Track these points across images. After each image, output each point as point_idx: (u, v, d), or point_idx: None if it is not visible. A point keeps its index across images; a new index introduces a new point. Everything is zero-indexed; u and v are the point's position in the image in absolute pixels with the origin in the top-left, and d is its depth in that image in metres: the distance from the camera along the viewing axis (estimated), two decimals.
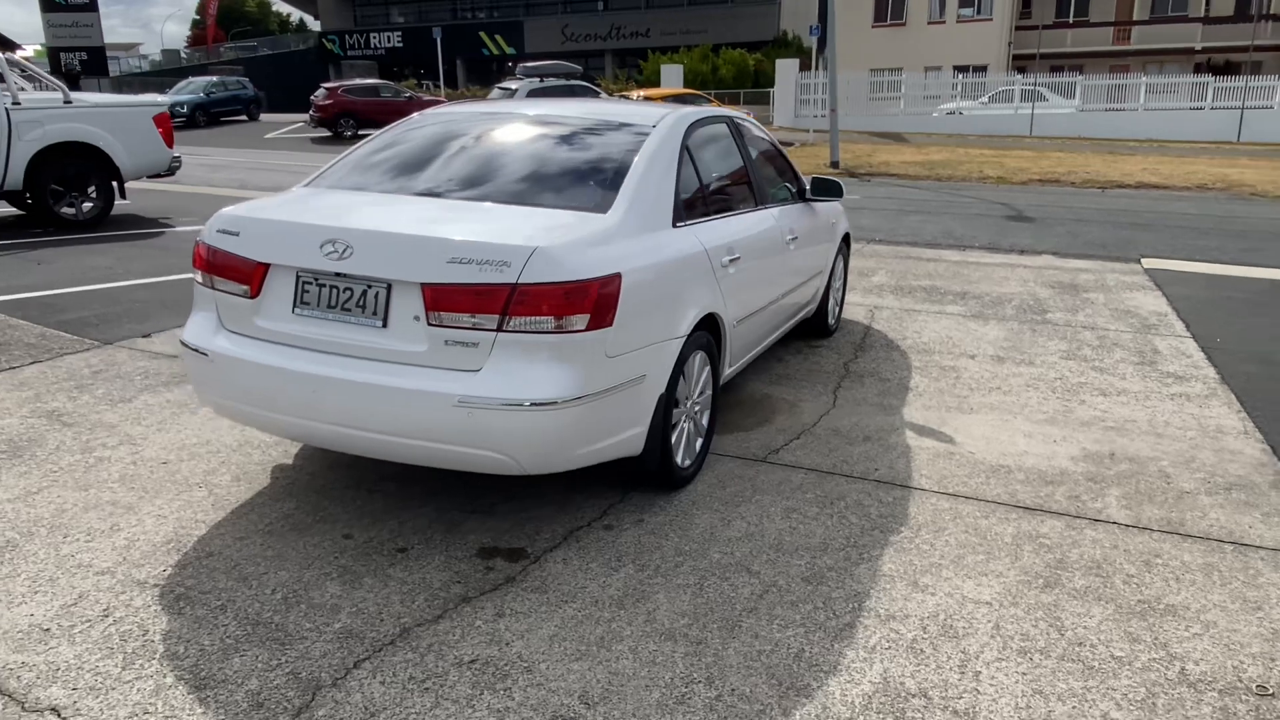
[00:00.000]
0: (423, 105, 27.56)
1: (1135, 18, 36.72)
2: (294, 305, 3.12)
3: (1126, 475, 3.94)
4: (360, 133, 25.31)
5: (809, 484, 3.78)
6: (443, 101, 29.01)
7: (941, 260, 9.22)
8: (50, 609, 2.77)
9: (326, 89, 26.96)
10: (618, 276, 2.98)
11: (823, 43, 38.34)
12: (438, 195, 3.42)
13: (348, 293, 3.03)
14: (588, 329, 2.89)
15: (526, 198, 3.35)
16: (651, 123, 3.84)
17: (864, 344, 6.00)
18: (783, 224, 4.68)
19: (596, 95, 24.34)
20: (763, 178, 4.69)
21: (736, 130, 4.60)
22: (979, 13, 36.21)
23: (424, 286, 2.90)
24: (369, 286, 3.00)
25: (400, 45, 52.92)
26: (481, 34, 51.49)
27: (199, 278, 3.37)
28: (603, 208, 3.25)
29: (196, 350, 3.27)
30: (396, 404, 2.91)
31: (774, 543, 3.28)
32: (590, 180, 3.44)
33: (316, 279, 3.08)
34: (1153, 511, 3.59)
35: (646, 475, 3.51)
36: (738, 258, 3.94)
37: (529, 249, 2.85)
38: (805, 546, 3.26)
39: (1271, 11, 33.70)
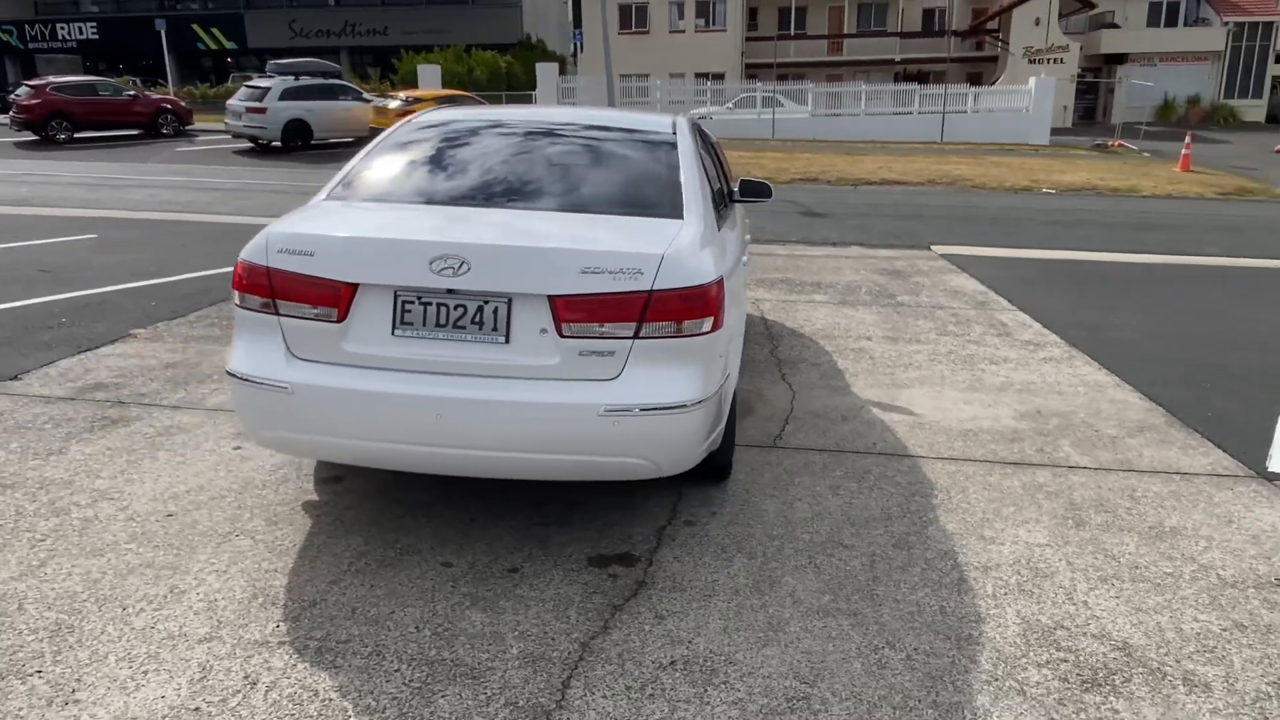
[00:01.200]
0: (154, 105, 24.84)
1: (845, 31, 41.07)
2: (393, 327, 2.93)
3: (1062, 428, 4.65)
4: (76, 136, 22.34)
5: (831, 463, 4.11)
6: (174, 101, 26.28)
7: (774, 255, 9.94)
8: (181, 689, 2.44)
9: (32, 87, 23.44)
10: (721, 279, 3.11)
11: (579, 47, 39.19)
12: (516, 206, 3.33)
13: (460, 310, 2.91)
14: (710, 331, 3.00)
15: (604, 206, 3.36)
16: (668, 127, 3.97)
17: (772, 333, 6.44)
18: (744, 224, 4.96)
19: (360, 94, 23.28)
20: (725, 178, 4.95)
21: (704, 132, 4.81)
22: (714, 24, 38.72)
23: (553, 299, 2.86)
24: (485, 302, 2.90)
25: (96, 37, 47.01)
26: (195, 26, 46.94)
27: (248, 302, 3.05)
28: (677, 214, 3.34)
29: (266, 383, 2.96)
30: (538, 419, 2.85)
31: (844, 518, 3.57)
32: (648, 187, 3.51)
33: (420, 297, 2.92)
34: (1103, 455, 4.29)
35: (712, 469, 3.65)
36: (744, 259, 4.18)
37: (659, 256, 2.91)
38: (872, 518, 3.57)
39: (953, 28, 39.16)
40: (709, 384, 3.04)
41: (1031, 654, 2.70)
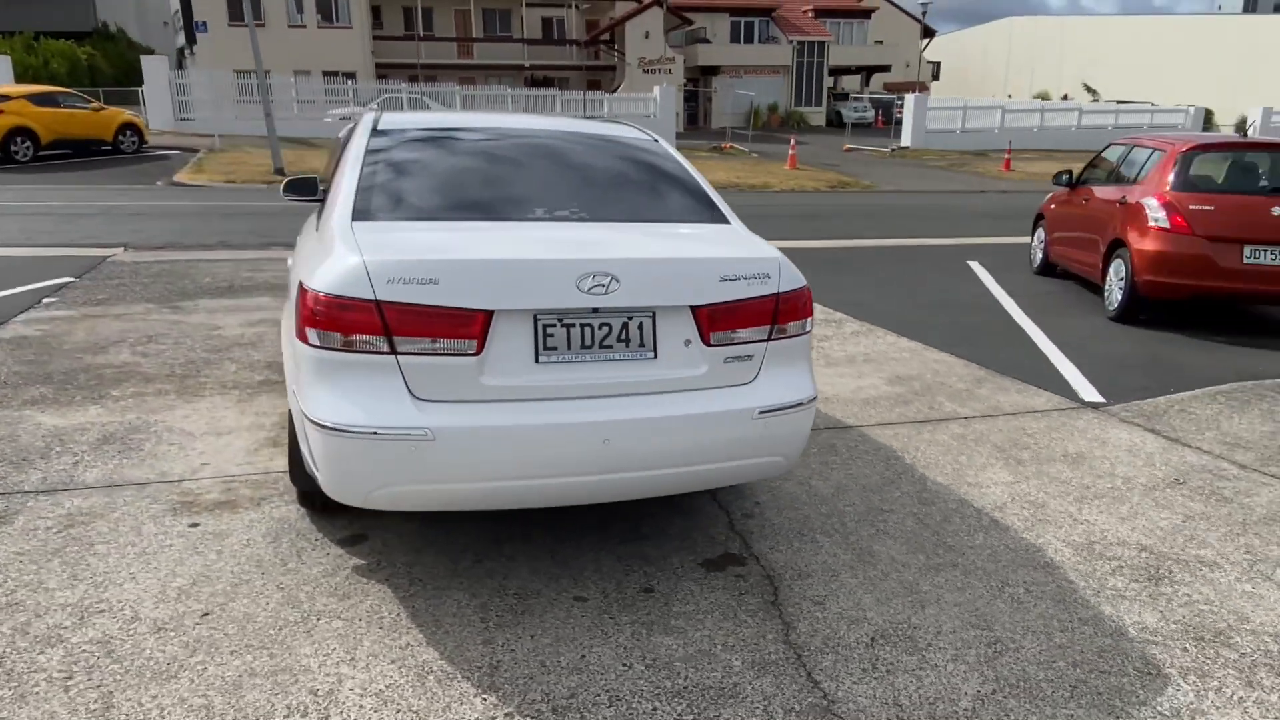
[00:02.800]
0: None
1: (474, 35, 41.38)
2: (536, 353, 2.70)
3: (929, 387, 5.47)
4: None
5: None
6: None
7: None
8: None
9: None
10: None
11: (191, 39, 34.81)
12: (592, 220, 3.17)
13: (605, 329, 2.76)
14: (810, 330, 3.18)
15: (665, 215, 3.34)
16: (648, 134, 4.00)
17: None
18: None
19: None
20: None
21: None
22: (337, 20, 36.76)
23: (696, 309, 2.84)
24: (630, 318, 2.79)
25: None
26: None
27: (346, 343, 2.60)
28: (723, 218, 3.44)
29: (393, 433, 2.56)
30: (704, 429, 2.82)
31: (865, 486, 3.94)
32: (686, 195, 3.53)
33: (562, 319, 2.72)
34: (975, 404, 5.15)
35: None
36: None
37: (777, 260, 3.02)
38: (884, 482, 3.99)
39: (573, 38, 41.39)
40: (813, 379, 3.22)
41: (1097, 566, 3.29)
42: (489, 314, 2.65)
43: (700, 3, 43.79)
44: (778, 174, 23.14)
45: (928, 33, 57.43)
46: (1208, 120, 41.87)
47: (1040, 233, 9.79)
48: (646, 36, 40.13)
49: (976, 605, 3.01)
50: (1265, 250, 6.87)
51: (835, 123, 47.61)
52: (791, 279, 3.04)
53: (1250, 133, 39.65)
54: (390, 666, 2.56)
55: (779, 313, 2.98)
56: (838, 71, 49.76)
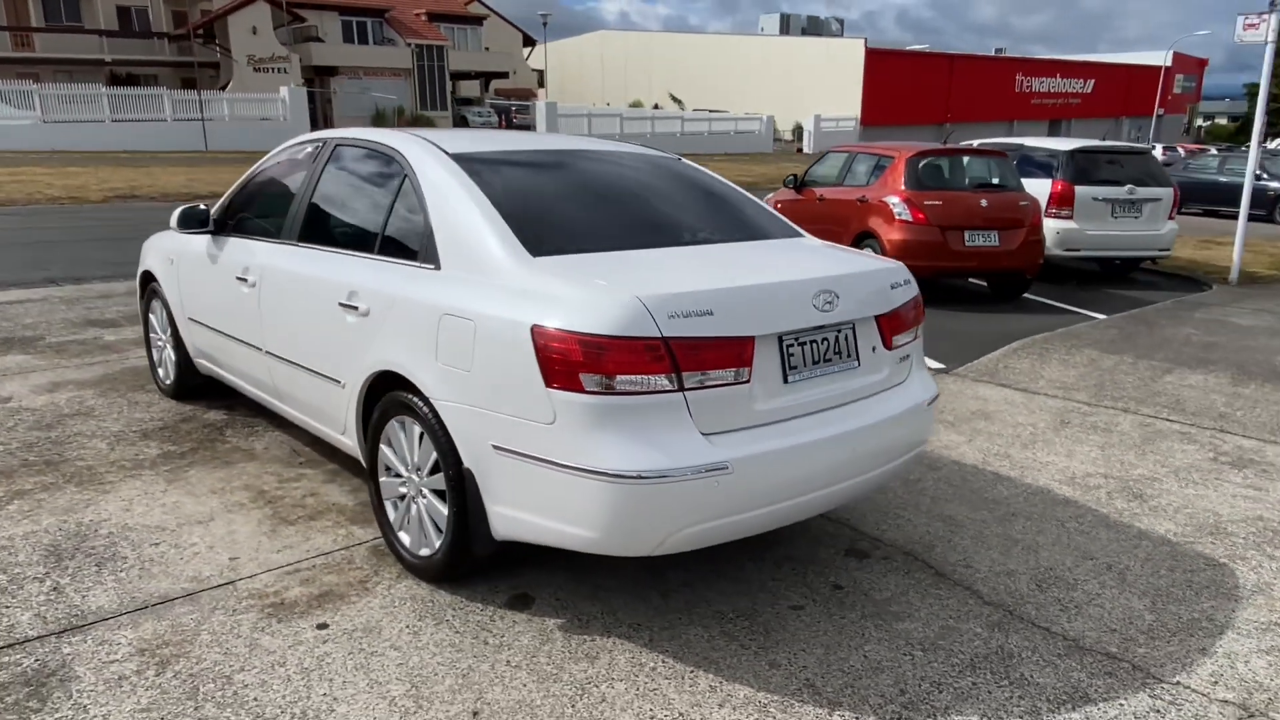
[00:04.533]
0: None
1: (35, 25, 34.59)
2: (784, 374, 2.73)
3: None
4: None
5: None
6: None
7: None
8: None
9: None
10: None
11: None
12: (719, 241, 3.21)
13: (824, 343, 2.88)
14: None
15: (763, 231, 3.44)
16: (671, 154, 4.05)
17: None
18: None
19: None
20: None
21: None
22: None
23: (879, 318, 3.07)
24: (839, 331, 2.93)
25: None
26: None
27: (633, 384, 2.43)
28: (798, 231, 3.66)
29: (693, 472, 2.45)
30: (904, 427, 3.04)
31: None
32: (753, 209, 3.66)
33: (798, 339, 2.79)
34: None
35: None
36: None
37: (902, 265, 3.34)
38: None
39: (160, 30, 36.48)
40: None
41: (1096, 494, 4.10)
42: (753, 340, 2.66)
43: (309, 0, 41.26)
44: None
45: (529, 41, 60.02)
46: (774, 127, 49.23)
47: None
48: (255, 32, 36.91)
49: (1065, 541, 3.62)
50: (979, 234, 8.62)
51: (461, 127, 47.89)
52: (915, 283, 3.39)
53: (805, 139, 47.17)
54: (723, 711, 2.48)
55: (918, 315, 3.32)
56: (459, 76, 49.98)
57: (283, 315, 3.69)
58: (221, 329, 4.27)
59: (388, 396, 3.12)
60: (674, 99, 62.01)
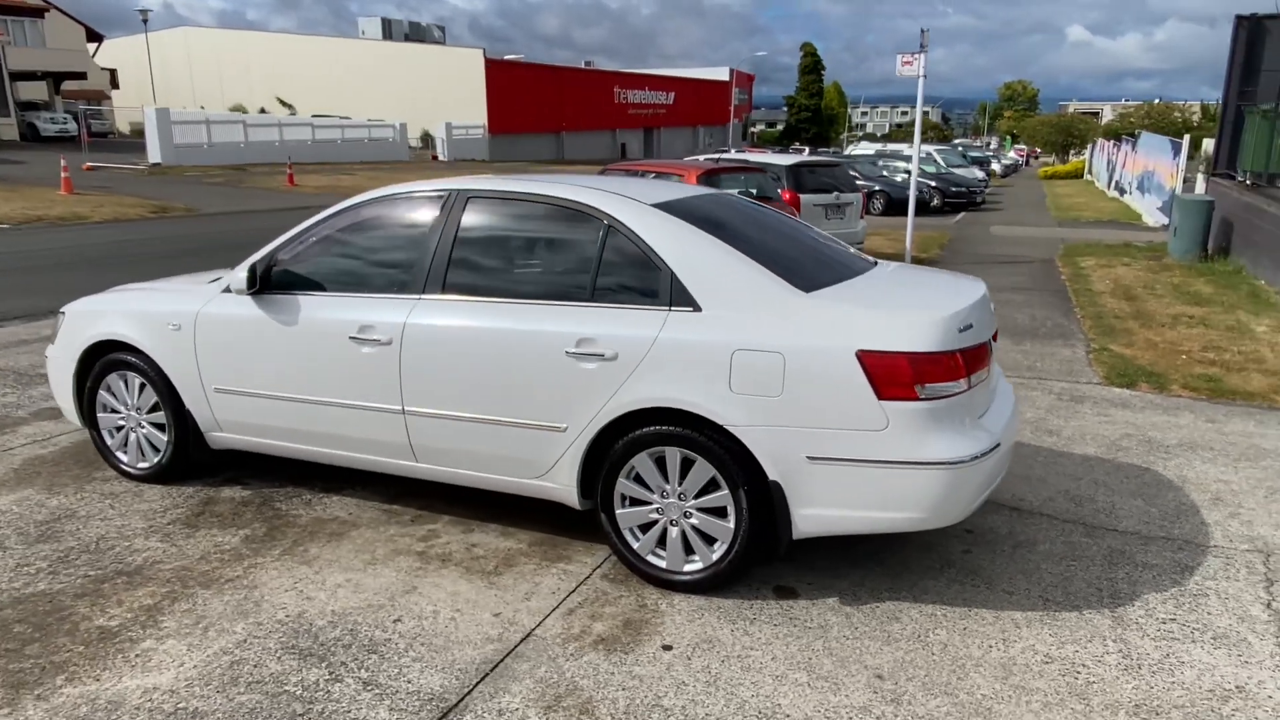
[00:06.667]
0: None
1: None
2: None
3: None
4: None
5: None
6: None
7: None
8: None
9: None
10: None
11: None
12: (866, 269, 3.86)
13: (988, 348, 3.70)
14: None
15: (862, 263, 4.15)
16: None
17: None
18: None
19: None
20: None
21: None
22: None
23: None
24: (992, 339, 3.76)
25: None
26: None
27: (944, 390, 3.07)
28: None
29: (984, 454, 3.18)
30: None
31: None
32: (833, 242, 4.36)
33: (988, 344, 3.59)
34: None
35: None
36: None
37: None
38: None
39: None
40: None
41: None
42: (987, 344, 3.43)
43: None
44: (61, 202, 19.71)
45: (94, 37, 52.27)
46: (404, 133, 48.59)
47: None
48: None
49: (1048, 471, 4.86)
50: None
51: (30, 136, 40.51)
52: None
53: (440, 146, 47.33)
54: (1009, 625, 3.23)
55: None
56: (21, 77, 42.05)
57: (451, 371, 3.62)
58: (299, 395, 3.95)
59: (637, 433, 3.36)
60: (283, 103, 58.13)
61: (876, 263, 4.22)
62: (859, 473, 3.14)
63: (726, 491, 3.29)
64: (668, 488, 3.40)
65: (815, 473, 3.17)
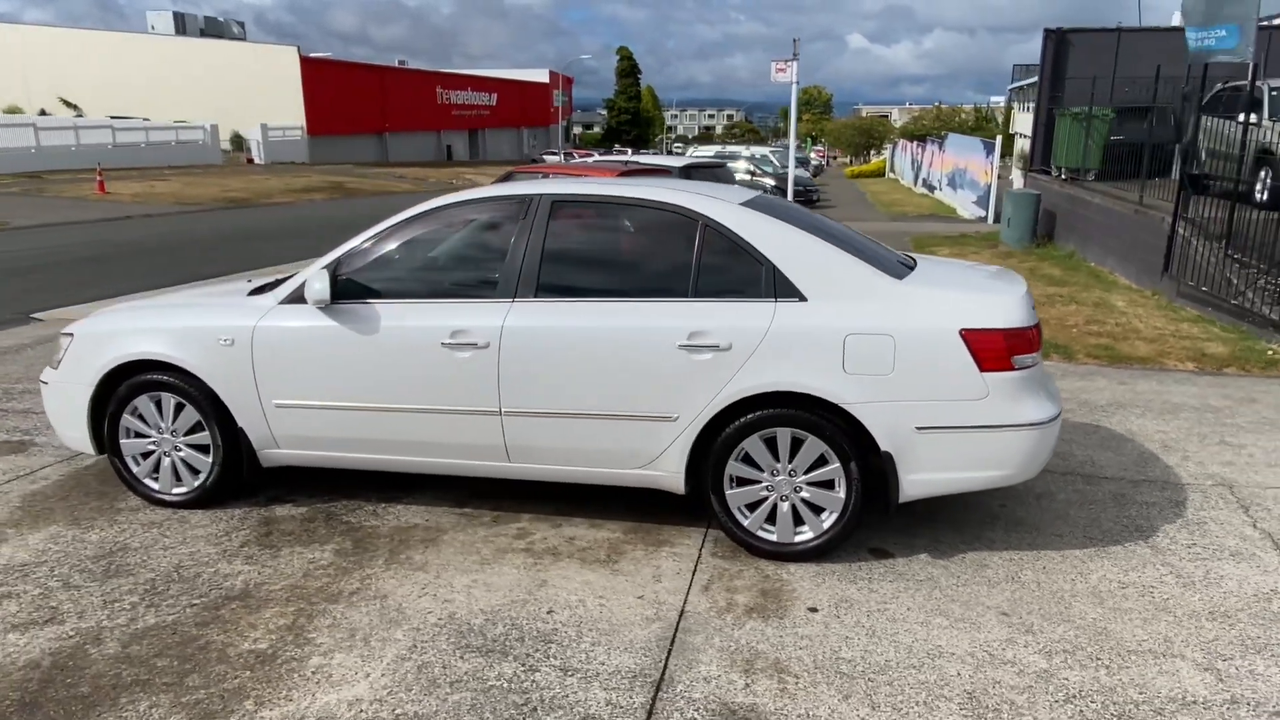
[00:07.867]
0: None
1: None
2: None
3: None
4: None
5: None
6: None
7: None
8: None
9: None
10: None
11: None
12: (914, 266, 4.21)
13: None
14: None
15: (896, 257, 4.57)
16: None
17: None
18: None
19: None
20: None
21: None
22: None
23: None
24: None
25: None
26: None
27: (1024, 361, 3.52)
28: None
29: (1057, 412, 3.66)
30: None
31: None
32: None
33: None
34: None
35: None
36: None
37: None
38: None
39: None
40: None
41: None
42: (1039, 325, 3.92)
43: None
44: None
45: None
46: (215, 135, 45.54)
47: None
48: None
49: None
50: None
51: None
52: None
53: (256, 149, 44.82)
54: (1079, 564, 3.74)
55: None
56: None
57: (554, 370, 3.71)
58: (378, 404, 3.90)
59: (751, 417, 3.61)
60: (67, 104, 52.84)
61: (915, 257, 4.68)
62: (962, 438, 3.54)
63: (837, 465, 3.60)
64: (778, 466, 3.67)
65: (923, 441, 3.55)
